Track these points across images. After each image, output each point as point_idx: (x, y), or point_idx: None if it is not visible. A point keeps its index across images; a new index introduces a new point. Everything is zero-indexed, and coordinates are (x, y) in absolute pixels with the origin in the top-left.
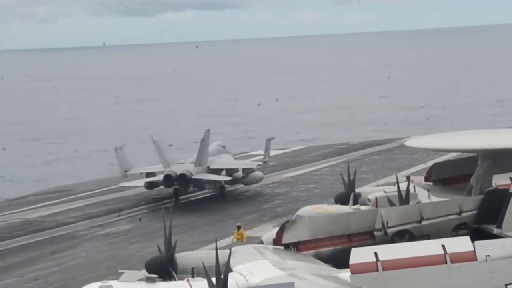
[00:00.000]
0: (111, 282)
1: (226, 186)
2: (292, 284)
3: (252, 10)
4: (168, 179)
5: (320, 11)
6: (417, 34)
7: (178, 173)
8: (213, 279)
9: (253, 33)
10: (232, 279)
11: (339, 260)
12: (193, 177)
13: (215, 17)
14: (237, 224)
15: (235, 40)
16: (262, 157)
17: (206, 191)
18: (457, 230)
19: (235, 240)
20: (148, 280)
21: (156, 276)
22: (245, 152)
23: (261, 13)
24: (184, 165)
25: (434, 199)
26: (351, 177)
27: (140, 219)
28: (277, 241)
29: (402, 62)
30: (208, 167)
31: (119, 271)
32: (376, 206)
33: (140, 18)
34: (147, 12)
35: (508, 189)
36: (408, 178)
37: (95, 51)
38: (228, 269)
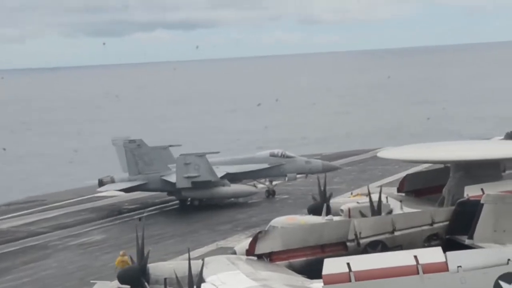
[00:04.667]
0: None
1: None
2: None
3: (224, 29)
4: (99, 183)
5: (290, 31)
6: (385, 53)
7: (99, 179)
8: None
9: (225, 53)
10: None
11: (312, 270)
12: (109, 184)
13: (187, 37)
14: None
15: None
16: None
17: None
18: (429, 241)
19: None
20: None
21: (128, 286)
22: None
23: (233, 33)
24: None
25: (407, 210)
26: (324, 188)
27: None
28: (250, 252)
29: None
30: (161, 177)
31: (91, 281)
32: (349, 217)
33: (111, 39)
34: (118, 32)
35: (480, 200)
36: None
37: (66, 71)
38: (201, 280)
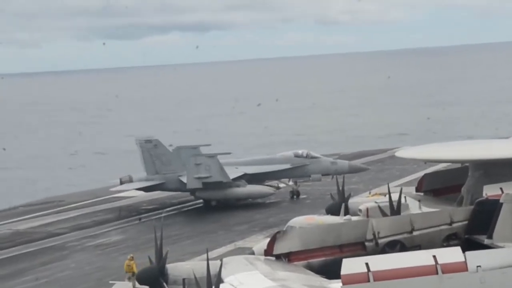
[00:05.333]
0: None
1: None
2: None
3: (237, 32)
4: (120, 182)
5: (304, 33)
6: (399, 54)
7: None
8: None
9: (239, 55)
10: None
11: (331, 271)
12: (128, 183)
13: (200, 40)
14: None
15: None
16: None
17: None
18: (448, 240)
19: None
20: None
21: (147, 287)
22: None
23: (246, 35)
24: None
25: (425, 209)
26: (342, 188)
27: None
28: (268, 252)
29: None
30: (178, 177)
31: (110, 282)
32: (367, 216)
33: (126, 42)
34: (132, 35)
35: (499, 200)
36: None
37: (81, 74)
38: (220, 280)
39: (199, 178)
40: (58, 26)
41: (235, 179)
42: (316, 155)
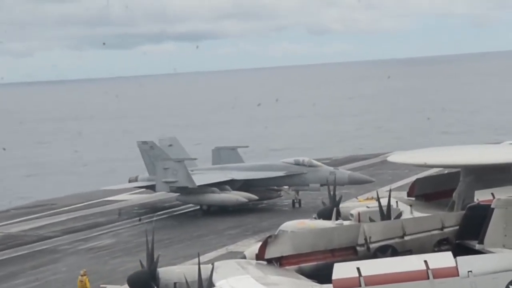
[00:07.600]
0: None
1: None
2: None
3: (231, 41)
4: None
5: (297, 42)
6: (395, 63)
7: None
8: None
9: (234, 64)
10: None
11: (322, 275)
12: (133, 182)
13: (193, 49)
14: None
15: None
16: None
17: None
18: (439, 245)
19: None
20: None
21: None
22: None
23: (240, 44)
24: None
25: (417, 214)
26: (334, 193)
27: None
28: (259, 256)
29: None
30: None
31: (101, 286)
32: (359, 221)
33: (119, 51)
34: (126, 44)
35: (490, 205)
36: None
37: (74, 84)
38: (211, 284)
39: (167, 182)
40: (50, 35)
41: (219, 185)
42: (316, 163)
